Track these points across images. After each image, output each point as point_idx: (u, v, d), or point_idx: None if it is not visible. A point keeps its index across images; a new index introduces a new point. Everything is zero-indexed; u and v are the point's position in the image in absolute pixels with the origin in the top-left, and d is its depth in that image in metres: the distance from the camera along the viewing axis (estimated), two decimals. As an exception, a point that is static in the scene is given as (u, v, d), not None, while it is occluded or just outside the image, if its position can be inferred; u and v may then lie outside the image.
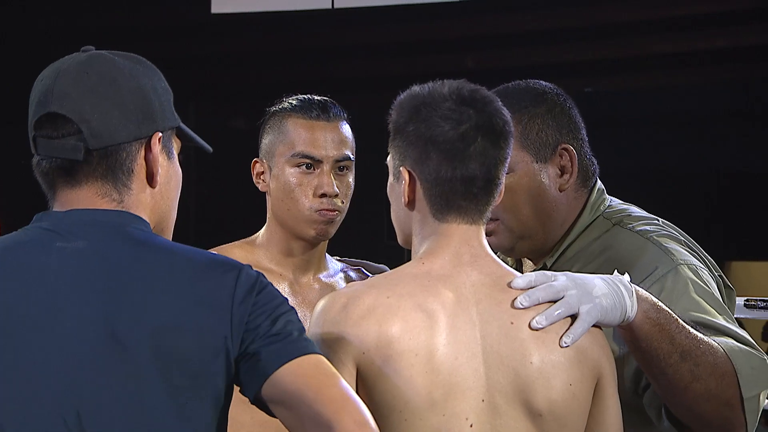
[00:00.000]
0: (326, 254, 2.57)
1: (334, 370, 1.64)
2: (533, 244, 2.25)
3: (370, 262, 2.64)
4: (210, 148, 1.84)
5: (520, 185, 2.16)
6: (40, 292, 1.63)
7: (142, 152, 1.71)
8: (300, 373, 1.62)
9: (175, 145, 1.78)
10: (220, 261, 1.68)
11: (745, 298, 3.38)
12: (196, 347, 1.62)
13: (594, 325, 1.86)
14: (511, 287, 1.83)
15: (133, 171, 1.70)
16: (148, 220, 1.72)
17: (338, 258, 2.62)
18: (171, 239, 1.79)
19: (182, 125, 1.78)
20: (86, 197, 1.69)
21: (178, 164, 1.78)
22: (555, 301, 1.83)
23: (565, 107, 2.24)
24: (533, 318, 1.81)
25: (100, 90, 1.68)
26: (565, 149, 2.21)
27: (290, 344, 1.64)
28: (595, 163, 2.28)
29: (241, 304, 1.64)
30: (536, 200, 2.21)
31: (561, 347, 1.81)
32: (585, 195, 2.25)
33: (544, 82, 2.28)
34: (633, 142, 7.45)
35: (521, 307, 1.81)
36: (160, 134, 1.72)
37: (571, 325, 1.83)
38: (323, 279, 2.53)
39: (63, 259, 1.64)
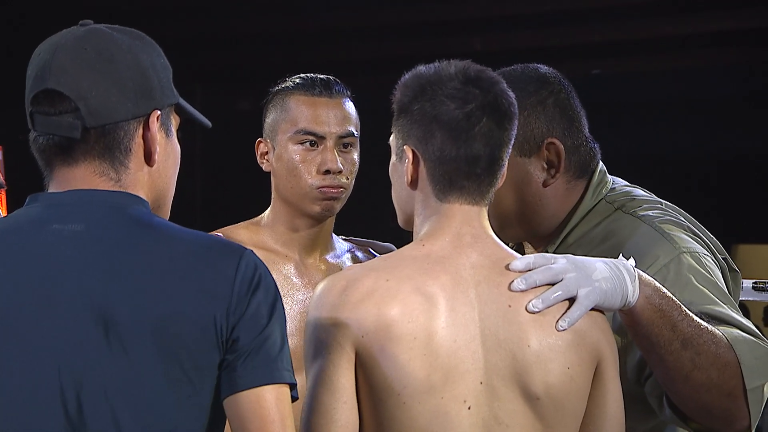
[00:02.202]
0: (333, 234, 2.56)
1: (287, 410, 1.63)
2: (517, 234, 2.23)
3: (376, 241, 2.64)
4: (209, 123, 1.82)
5: None
6: (35, 278, 1.60)
7: (140, 131, 1.68)
8: (257, 404, 1.61)
9: (174, 122, 1.75)
10: (221, 245, 1.66)
11: (754, 280, 3.37)
12: (197, 337, 1.59)
13: (595, 309, 1.84)
14: (509, 270, 1.82)
15: (130, 150, 1.67)
16: (146, 199, 1.69)
17: (344, 238, 2.61)
18: (169, 215, 1.77)
19: (181, 101, 1.76)
20: (83, 176, 1.66)
21: (176, 141, 1.76)
22: (554, 284, 1.82)
23: (560, 97, 2.18)
24: (530, 301, 1.80)
25: (98, 67, 1.65)
26: (552, 144, 2.16)
27: (265, 365, 1.62)
28: (596, 150, 2.23)
29: (240, 297, 1.62)
30: (518, 193, 2.17)
31: (557, 331, 1.80)
32: (582, 185, 2.21)
33: (543, 68, 2.22)
34: (640, 124, 7.43)
35: (517, 289, 1.80)
36: (159, 112, 1.69)
37: (569, 308, 1.82)
38: (329, 260, 2.52)
39: (60, 241, 1.61)
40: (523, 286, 1.80)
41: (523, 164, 2.16)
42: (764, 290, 3.36)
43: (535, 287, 1.81)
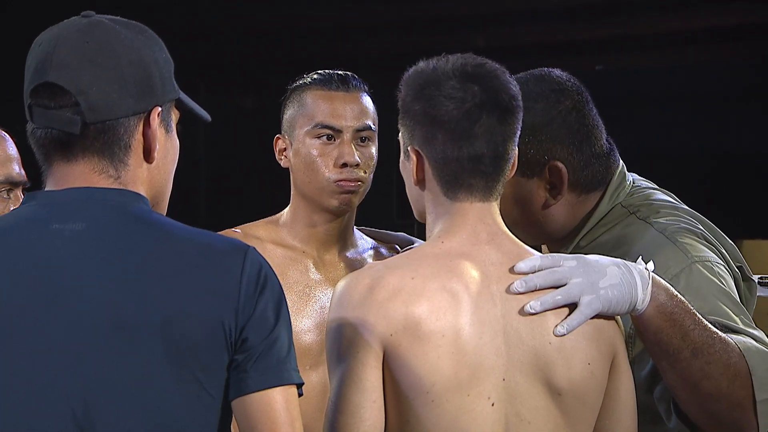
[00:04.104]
0: (355, 230, 2.55)
1: (296, 412, 1.63)
2: (529, 241, 2.21)
3: (397, 233, 2.62)
4: (209, 117, 1.80)
5: (504, 194, 1.99)
6: (38, 280, 1.58)
7: (141, 127, 1.66)
8: (267, 406, 1.61)
9: (174, 116, 1.73)
10: (223, 243, 1.64)
11: (759, 276, 3.36)
12: (205, 338, 1.58)
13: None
14: (514, 271, 1.82)
15: (130, 147, 1.65)
16: (145, 196, 1.67)
17: (368, 230, 2.60)
18: (166, 210, 1.76)
19: (182, 95, 1.74)
20: (82, 173, 1.64)
21: (176, 137, 1.74)
22: (558, 287, 1.81)
23: (570, 117, 2.14)
24: (529, 302, 1.79)
25: (100, 61, 1.62)
26: (555, 166, 2.13)
27: (275, 367, 1.62)
28: (612, 160, 2.19)
29: (248, 297, 1.60)
30: (523, 210, 2.16)
31: (555, 335, 1.79)
32: (596, 196, 2.18)
33: (557, 78, 2.17)
34: (644, 120, 7.43)
35: (515, 292, 1.80)
36: (159, 108, 1.67)
37: (569, 314, 1.81)
38: (349, 256, 2.51)
39: (61, 242, 1.59)
40: (521, 289, 1.80)
41: (524, 184, 2.14)
42: (769, 285, 3.36)
43: (535, 290, 1.81)
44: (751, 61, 7.15)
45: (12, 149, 2.24)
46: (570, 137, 2.14)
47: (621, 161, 2.23)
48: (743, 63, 7.24)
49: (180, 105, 1.75)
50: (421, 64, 1.88)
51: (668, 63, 7.29)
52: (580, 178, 2.15)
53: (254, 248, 1.65)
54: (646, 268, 1.87)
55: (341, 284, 1.82)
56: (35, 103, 1.64)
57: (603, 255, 1.97)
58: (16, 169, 2.23)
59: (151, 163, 1.68)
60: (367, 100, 2.48)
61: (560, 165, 2.13)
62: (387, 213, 7.26)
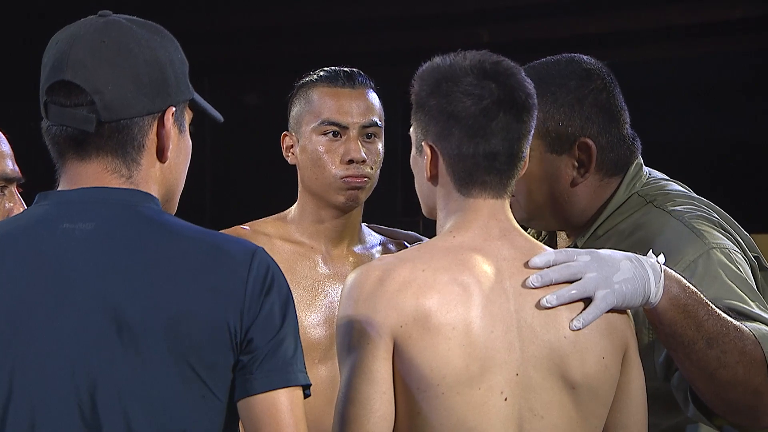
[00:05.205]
0: (363, 226, 2.56)
1: (301, 414, 1.63)
2: (548, 225, 2.23)
3: (409, 231, 2.62)
4: (221, 118, 1.82)
5: (530, 172, 2.07)
6: (47, 279, 1.59)
7: (155, 127, 1.68)
8: (273, 408, 1.61)
9: (187, 117, 1.75)
10: (232, 244, 1.65)
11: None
12: (209, 337, 1.59)
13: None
14: (529, 266, 1.82)
15: (144, 146, 1.67)
16: (157, 196, 1.69)
17: (377, 227, 2.61)
18: (176, 208, 1.77)
19: (196, 96, 1.75)
20: (95, 173, 1.66)
21: (188, 137, 1.75)
22: (572, 282, 1.81)
23: (600, 96, 2.16)
24: (544, 296, 1.80)
25: (116, 61, 1.64)
26: (585, 143, 2.15)
27: (281, 369, 1.62)
28: (635, 147, 2.21)
29: (253, 298, 1.61)
30: (549, 188, 2.17)
31: (571, 330, 1.80)
32: (616, 181, 2.20)
33: (588, 61, 2.20)
34: (651, 113, 7.42)
35: (532, 286, 1.80)
36: (174, 108, 1.69)
37: (585, 308, 1.81)
38: (357, 251, 2.53)
39: (70, 241, 1.61)
40: (537, 284, 1.80)
41: (553, 161, 2.15)
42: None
43: (551, 285, 1.81)
44: (757, 53, 7.14)
45: (5, 146, 2.25)
46: (600, 116, 2.17)
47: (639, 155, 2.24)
48: (750, 55, 7.22)
49: (193, 105, 1.76)
50: (437, 59, 1.88)
51: (674, 55, 7.28)
52: (606, 158, 2.17)
53: (263, 249, 1.66)
54: (657, 261, 1.87)
55: (351, 276, 1.82)
56: (51, 100, 1.66)
57: (620, 242, 1.98)
58: (10, 166, 2.24)
59: (164, 162, 1.70)
60: (373, 96, 2.49)
61: (590, 142, 2.15)
62: (391, 210, 7.26)
